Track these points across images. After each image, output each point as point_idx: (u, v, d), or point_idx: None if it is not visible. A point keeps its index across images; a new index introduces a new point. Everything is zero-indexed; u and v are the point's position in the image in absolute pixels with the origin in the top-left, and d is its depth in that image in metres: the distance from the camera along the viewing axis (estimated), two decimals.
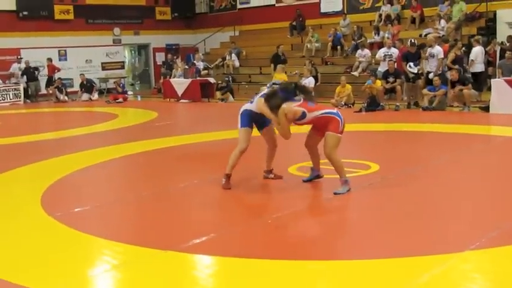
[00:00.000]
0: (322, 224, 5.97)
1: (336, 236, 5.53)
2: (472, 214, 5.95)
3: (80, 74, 23.58)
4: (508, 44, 17.30)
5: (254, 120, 7.24)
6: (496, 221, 5.56)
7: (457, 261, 4.50)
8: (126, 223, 6.35)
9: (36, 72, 23.42)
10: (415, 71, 15.36)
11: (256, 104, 7.04)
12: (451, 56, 15.99)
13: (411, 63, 15.54)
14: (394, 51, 17.20)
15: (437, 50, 16.05)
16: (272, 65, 19.77)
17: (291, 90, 6.86)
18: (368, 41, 20.36)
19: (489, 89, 15.10)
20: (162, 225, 6.00)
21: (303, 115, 6.72)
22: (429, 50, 16.25)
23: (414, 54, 15.63)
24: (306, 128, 7.20)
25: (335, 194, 6.73)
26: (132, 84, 29.33)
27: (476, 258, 4.63)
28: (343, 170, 6.87)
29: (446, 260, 4.53)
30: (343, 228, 5.86)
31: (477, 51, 16.05)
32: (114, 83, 23.64)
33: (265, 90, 7.26)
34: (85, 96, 22.92)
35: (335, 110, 7.00)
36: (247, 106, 7.26)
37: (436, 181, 7.49)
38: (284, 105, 6.70)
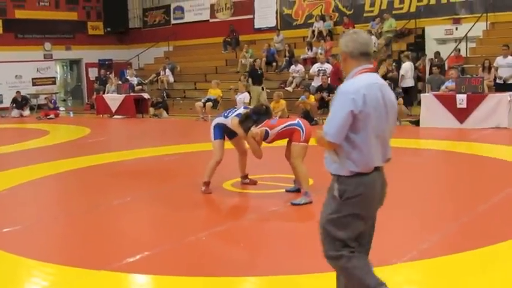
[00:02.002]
0: (254, 240, 5.98)
1: (270, 251, 5.54)
2: (403, 227, 6.07)
3: (17, 92, 22.73)
4: (436, 60, 17.87)
5: (226, 131, 7.62)
6: (426, 234, 5.70)
7: (389, 274, 4.56)
8: (58, 243, 6.21)
9: None
10: None
11: (231, 123, 7.42)
12: (382, 70, 16.37)
13: None
14: (328, 67, 17.56)
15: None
16: (250, 80, 18.95)
17: (263, 112, 7.33)
18: (301, 57, 20.61)
19: (419, 103, 15.48)
20: (95, 244, 5.88)
21: (266, 133, 7.17)
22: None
23: None
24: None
25: (292, 204, 6.89)
26: (64, 100, 28.76)
27: (407, 271, 4.72)
28: (305, 181, 7.04)
29: (378, 273, 4.59)
30: (275, 243, 5.85)
31: (407, 67, 16.50)
32: (46, 98, 23.07)
33: (239, 109, 7.63)
34: (15, 112, 22.29)
35: (295, 121, 7.25)
36: (220, 120, 7.63)
37: None
38: (252, 129, 7.16)
